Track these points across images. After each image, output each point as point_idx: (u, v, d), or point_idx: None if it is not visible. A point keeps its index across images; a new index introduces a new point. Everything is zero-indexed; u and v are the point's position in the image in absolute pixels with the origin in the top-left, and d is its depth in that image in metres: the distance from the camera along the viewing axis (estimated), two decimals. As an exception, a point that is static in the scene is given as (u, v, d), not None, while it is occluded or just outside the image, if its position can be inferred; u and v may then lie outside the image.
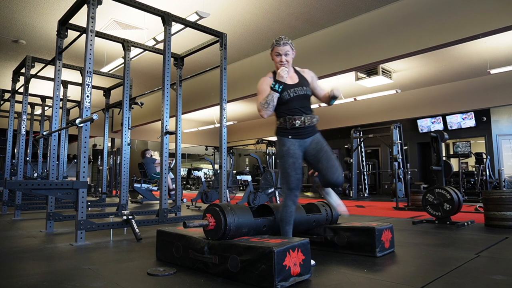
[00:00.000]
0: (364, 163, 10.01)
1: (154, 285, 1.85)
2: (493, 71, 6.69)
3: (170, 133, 3.73)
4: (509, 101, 7.98)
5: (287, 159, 2.24)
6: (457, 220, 4.13)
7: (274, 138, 12.98)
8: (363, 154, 10.02)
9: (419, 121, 10.76)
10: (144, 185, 8.07)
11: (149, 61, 7.40)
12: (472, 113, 9.68)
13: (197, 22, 4.33)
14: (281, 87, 2.23)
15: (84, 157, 3.06)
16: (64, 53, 4.14)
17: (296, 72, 2.40)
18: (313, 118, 2.31)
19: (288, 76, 2.31)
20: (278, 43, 2.30)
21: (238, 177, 7.68)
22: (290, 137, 2.27)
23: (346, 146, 9.61)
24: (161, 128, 3.76)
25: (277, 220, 2.34)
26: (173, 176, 7.67)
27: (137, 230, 3.17)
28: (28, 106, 5.85)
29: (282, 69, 2.26)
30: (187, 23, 4.10)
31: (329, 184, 2.27)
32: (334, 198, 2.42)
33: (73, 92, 7.67)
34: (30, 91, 5.33)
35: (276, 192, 6.77)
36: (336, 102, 8.39)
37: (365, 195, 9.78)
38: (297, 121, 2.25)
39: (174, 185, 7.59)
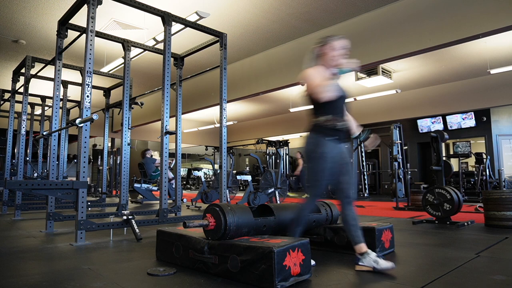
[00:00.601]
0: (364, 163, 10.00)
1: (154, 285, 1.85)
2: (493, 71, 6.69)
3: (170, 133, 3.73)
4: (509, 101, 7.98)
5: (323, 163, 2.07)
6: (457, 220, 4.12)
7: (274, 138, 13.02)
8: (363, 154, 10.02)
9: (419, 121, 10.76)
10: (144, 185, 8.07)
11: (149, 61, 7.39)
12: (472, 113, 9.67)
13: (197, 22, 4.33)
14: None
15: (84, 157, 3.06)
16: (64, 53, 4.14)
17: None
18: (347, 124, 2.21)
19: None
20: (334, 38, 2.20)
21: (238, 177, 7.68)
22: (332, 138, 2.10)
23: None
24: (161, 128, 3.76)
25: (277, 218, 2.34)
26: (173, 176, 7.67)
27: (137, 230, 3.17)
28: (28, 106, 5.85)
29: (349, 61, 2.15)
30: (187, 23, 4.10)
31: (345, 198, 2.15)
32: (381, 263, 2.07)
33: (73, 92, 7.67)
34: (30, 91, 5.32)
35: (276, 192, 6.77)
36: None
37: (365, 195, 9.78)
38: (340, 123, 2.13)
39: (173, 184, 7.58)
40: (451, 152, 10.36)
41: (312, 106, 2.20)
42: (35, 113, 7.69)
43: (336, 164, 2.14)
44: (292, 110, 10.20)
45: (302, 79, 2.19)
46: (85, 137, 3.09)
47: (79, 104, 6.85)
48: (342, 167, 2.17)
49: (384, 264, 2.03)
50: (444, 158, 4.72)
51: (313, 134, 2.16)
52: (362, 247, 2.11)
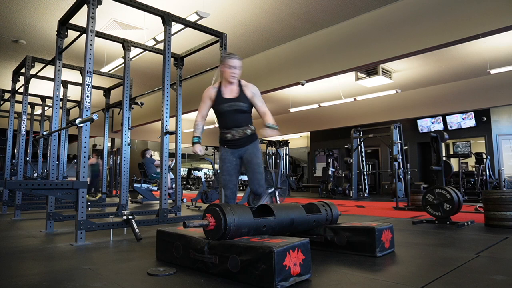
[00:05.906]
0: (364, 163, 10.00)
1: (154, 285, 1.85)
2: (493, 71, 6.69)
3: (170, 133, 3.73)
4: (509, 101, 7.98)
5: (222, 164, 2.79)
6: (457, 220, 4.13)
7: (274, 138, 13.00)
8: (363, 154, 10.02)
9: (419, 121, 10.76)
10: (144, 185, 8.07)
11: (149, 61, 7.40)
12: (472, 113, 9.68)
13: (197, 22, 4.33)
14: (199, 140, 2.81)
15: (84, 157, 3.06)
16: (64, 53, 4.14)
17: (239, 86, 2.75)
18: (246, 130, 2.71)
19: (229, 90, 2.72)
20: (230, 57, 2.70)
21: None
22: (225, 146, 2.78)
23: (346, 146, 9.61)
24: (161, 128, 3.76)
25: (277, 218, 2.34)
26: (173, 176, 7.67)
27: (137, 230, 3.17)
28: (28, 106, 5.84)
29: (195, 147, 2.79)
30: (187, 23, 4.10)
31: (253, 192, 2.80)
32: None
33: (73, 92, 7.66)
34: (30, 91, 5.32)
35: (276, 192, 6.77)
36: (336, 102, 8.34)
37: (365, 195, 9.78)
38: (228, 135, 2.72)
39: (173, 185, 7.58)
40: (451, 152, 10.36)
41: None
42: (35, 113, 7.69)
43: (235, 165, 2.79)
44: (292, 110, 10.20)
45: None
46: (85, 137, 3.09)
47: (79, 104, 6.85)
48: (246, 166, 2.76)
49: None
50: (444, 158, 4.72)
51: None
52: None
